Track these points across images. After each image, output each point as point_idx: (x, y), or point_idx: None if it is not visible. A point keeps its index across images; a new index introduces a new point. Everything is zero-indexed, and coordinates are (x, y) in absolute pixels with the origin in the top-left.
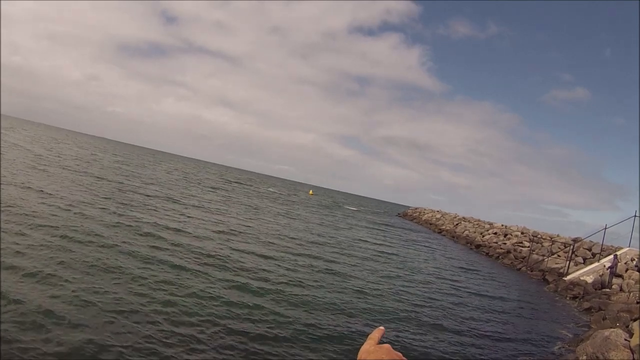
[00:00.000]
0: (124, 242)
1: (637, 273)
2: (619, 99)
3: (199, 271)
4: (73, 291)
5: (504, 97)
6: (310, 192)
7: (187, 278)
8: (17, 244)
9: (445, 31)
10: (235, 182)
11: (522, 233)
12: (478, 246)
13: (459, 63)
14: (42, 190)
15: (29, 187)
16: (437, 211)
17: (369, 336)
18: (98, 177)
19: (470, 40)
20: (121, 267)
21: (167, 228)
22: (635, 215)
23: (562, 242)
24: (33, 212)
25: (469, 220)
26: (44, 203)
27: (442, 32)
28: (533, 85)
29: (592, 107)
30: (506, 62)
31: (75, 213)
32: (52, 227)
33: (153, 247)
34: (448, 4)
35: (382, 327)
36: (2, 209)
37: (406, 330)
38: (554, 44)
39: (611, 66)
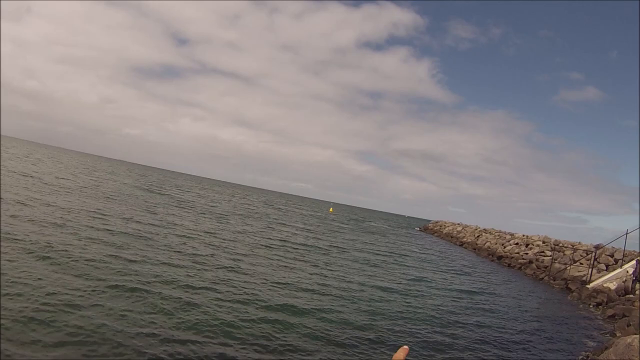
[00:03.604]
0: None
1: None
2: (632, 98)
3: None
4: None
5: (516, 103)
6: (331, 209)
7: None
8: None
9: (452, 41)
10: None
11: (543, 242)
12: (500, 257)
13: (469, 73)
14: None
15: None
16: (458, 224)
17: (394, 356)
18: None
19: (478, 49)
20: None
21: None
22: None
23: (583, 250)
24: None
25: (490, 232)
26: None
27: (449, 42)
28: (542, 87)
29: (605, 107)
30: (514, 68)
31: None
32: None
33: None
34: (453, 14)
35: (406, 347)
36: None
37: (428, 345)
38: (560, 42)
39: (620, 65)
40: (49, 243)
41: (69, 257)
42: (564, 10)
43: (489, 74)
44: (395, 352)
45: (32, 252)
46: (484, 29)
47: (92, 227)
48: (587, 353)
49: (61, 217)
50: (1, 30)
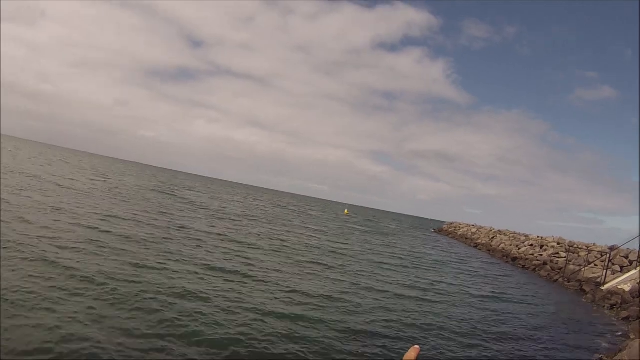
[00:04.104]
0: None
1: None
2: None
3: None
4: None
5: (530, 102)
6: (346, 211)
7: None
8: None
9: (466, 41)
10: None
11: (558, 244)
12: (514, 259)
13: (483, 72)
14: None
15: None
16: (473, 225)
17: (404, 356)
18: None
19: (492, 48)
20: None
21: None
22: None
23: (598, 251)
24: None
25: (504, 233)
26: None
27: (463, 42)
28: (557, 86)
29: (621, 106)
30: (529, 67)
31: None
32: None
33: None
34: (467, 13)
35: (417, 346)
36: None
37: (439, 346)
38: (575, 41)
39: (636, 63)
40: (52, 247)
41: (77, 263)
42: (579, 8)
43: (504, 74)
44: (406, 352)
45: (31, 258)
46: (498, 28)
47: (102, 229)
48: (601, 355)
49: (71, 219)
50: (8, 33)
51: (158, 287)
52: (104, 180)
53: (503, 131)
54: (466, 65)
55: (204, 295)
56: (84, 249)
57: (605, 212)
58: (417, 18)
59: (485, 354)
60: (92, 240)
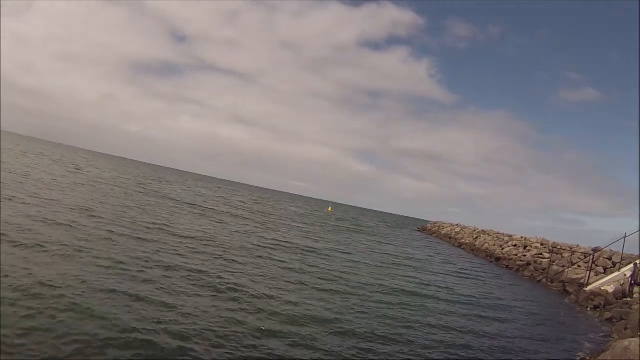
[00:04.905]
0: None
1: None
2: (631, 99)
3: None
4: None
5: (515, 103)
6: (329, 208)
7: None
8: None
9: (451, 41)
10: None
11: (541, 244)
12: (498, 259)
13: (468, 72)
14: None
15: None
16: (456, 225)
17: None
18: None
19: (477, 48)
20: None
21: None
22: None
23: (582, 253)
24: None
25: (488, 233)
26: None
27: (448, 42)
28: (541, 87)
29: (604, 108)
30: (513, 67)
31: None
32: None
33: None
34: (452, 13)
35: None
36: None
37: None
38: (559, 42)
39: (620, 66)
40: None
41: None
42: (564, 9)
43: (488, 74)
44: None
45: None
46: (482, 28)
47: (64, 223)
48: (584, 356)
49: (53, 215)
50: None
51: (123, 292)
52: (79, 173)
53: (488, 131)
54: (451, 64)
55: (174, 302)
56: (37, 244)
57: (589, 214)
58: (402, 17)
59: (466, 353)
60: (61, 241)
